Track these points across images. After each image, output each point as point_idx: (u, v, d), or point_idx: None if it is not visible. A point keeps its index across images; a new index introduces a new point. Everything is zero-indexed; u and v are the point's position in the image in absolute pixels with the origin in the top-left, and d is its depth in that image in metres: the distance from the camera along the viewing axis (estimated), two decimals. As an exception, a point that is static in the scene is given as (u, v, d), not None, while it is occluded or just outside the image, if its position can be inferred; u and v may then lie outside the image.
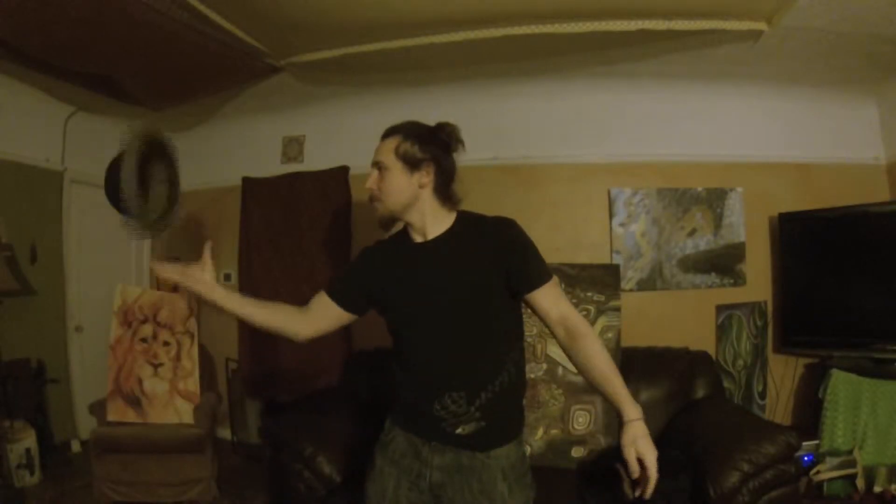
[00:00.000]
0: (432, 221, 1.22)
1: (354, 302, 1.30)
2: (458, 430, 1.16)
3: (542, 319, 1.21)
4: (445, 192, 1.22)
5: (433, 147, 1.20)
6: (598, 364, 1.13)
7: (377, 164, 1.21)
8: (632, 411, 1.08)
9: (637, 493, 1.06)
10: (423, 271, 1.21)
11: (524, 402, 1.31)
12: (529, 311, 1.23)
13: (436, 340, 1.19)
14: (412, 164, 1.18)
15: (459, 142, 1.23)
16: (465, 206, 1.28)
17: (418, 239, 1.24)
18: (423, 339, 1.20)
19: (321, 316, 1.31)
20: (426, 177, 1.20)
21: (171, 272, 1.24)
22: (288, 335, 1.30)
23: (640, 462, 1.04)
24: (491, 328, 1.19)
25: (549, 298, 1.18)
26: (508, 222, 1.22)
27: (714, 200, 3.04)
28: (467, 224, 1.24)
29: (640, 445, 1.04)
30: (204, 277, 1.23)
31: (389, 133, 1.23)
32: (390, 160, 1.19)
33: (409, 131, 1.21)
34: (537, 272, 1.19)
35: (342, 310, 1.30)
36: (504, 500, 1.17)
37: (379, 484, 1.25)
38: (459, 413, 1.15)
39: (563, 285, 2.58)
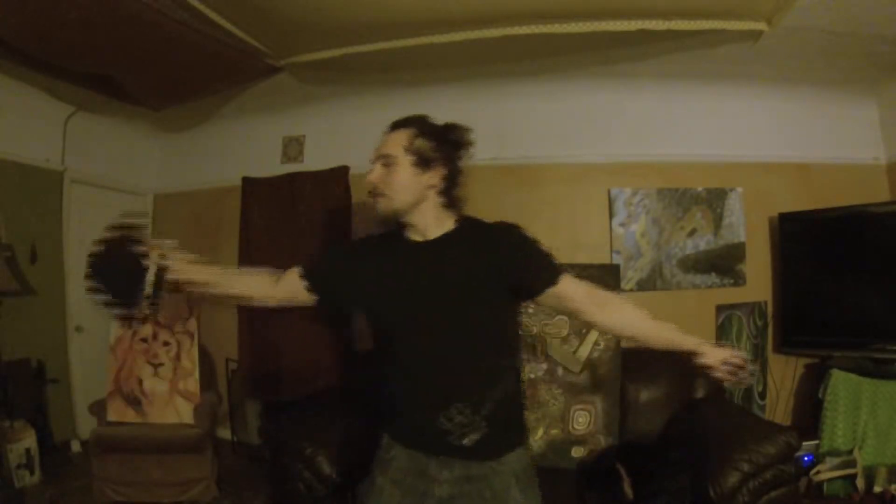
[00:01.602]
0: (434, 223, 1.16)
1: (330, 296, 1.23)
2: (465, 441, 1.11)
3: (569, 307, 1.19)
4: (451, 194, 1.17)
5: (446, 146, 1.13)
6: (641, 321, 1.16)
7: (383, 158, 1.12)
8: (693, 341, 1.13)
9: (741, 382, 1.12)
10: (424, 272, 1.14)
11: (525, 408, 1.29)
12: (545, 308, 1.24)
13: (437, 346, 1.12)
14: (424, 163, 1.11)
15: (471, 144, 1.17)
16: (465, 206, 1.26)
17: (417, 238, 1.17)
18: (423, 344, 1.12)
19: (288, 293, 1.23)
20: (435, 178, 1.13)
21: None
22: (251, 303, 1.26)
23: (730, 364, 1.10)
24: (493, 334, 1.16)
25: (572, 283, 1.18)
26: (512, 226, 1.19)
27: (714, 200, 3.03)
28: (470, 228, 1.19)
29: (723, 354, 1.11)
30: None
31: (399, 126, 1.14)
32: (400, 155, 1.11)
33: (423, 127, 1.13)
34: (555, 266, 1.18)
35: (312, 296, 1.21)
36: None
37: None
38: (465, 423, 1.10)
39: (563, 285, 2.58)
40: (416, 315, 1.13)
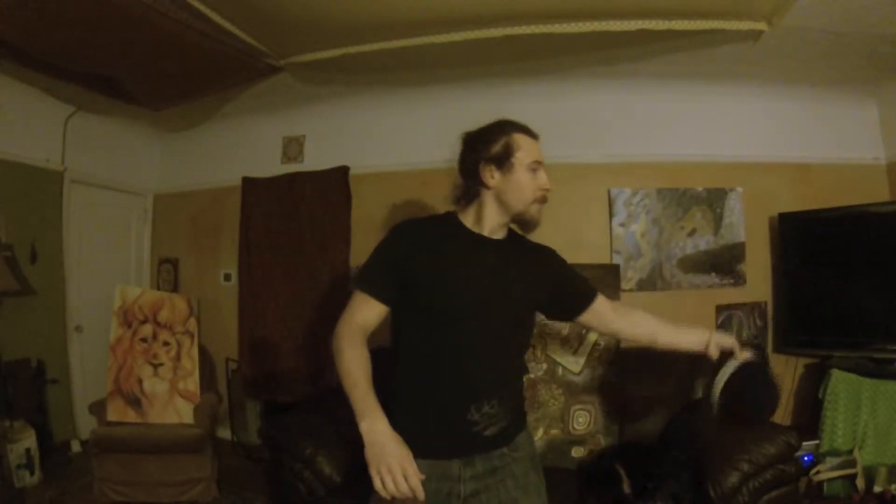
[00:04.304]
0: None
1: (399, 299, 1.14)
2: (487, 433, 1.14)
3: (601, 321, 1.33)
4: None
5: None
6: (657, 323, 1.32)
7: (541, 164, 1.19)
8: (701, 337, 1.28)
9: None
10: (493, 265, 1.15)
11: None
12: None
13: (489, 341, 1.13)
14: None
15: None
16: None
17: (487, 233, 1.18)
18: (476, 338, 1.11)
19: (379, 321, 1.17)
20: None
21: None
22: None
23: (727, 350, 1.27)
24: (527, 337, 1.26)
25: (605, 299, 1.33)
26: (555, 251, 1.33)
27: (714, 200, 3.04)
28: (515, 239, 1.25)
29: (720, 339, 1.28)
30: None
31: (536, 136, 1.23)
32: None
33: None
34: (592, 286, 1.33)
35: (384, 305, 1.15)
36: (538, 488, 1.21)
37: None
38: (492, 415, 1.13)
39: (563, 285, 2.58)
40: (484, 306, 1.13)
